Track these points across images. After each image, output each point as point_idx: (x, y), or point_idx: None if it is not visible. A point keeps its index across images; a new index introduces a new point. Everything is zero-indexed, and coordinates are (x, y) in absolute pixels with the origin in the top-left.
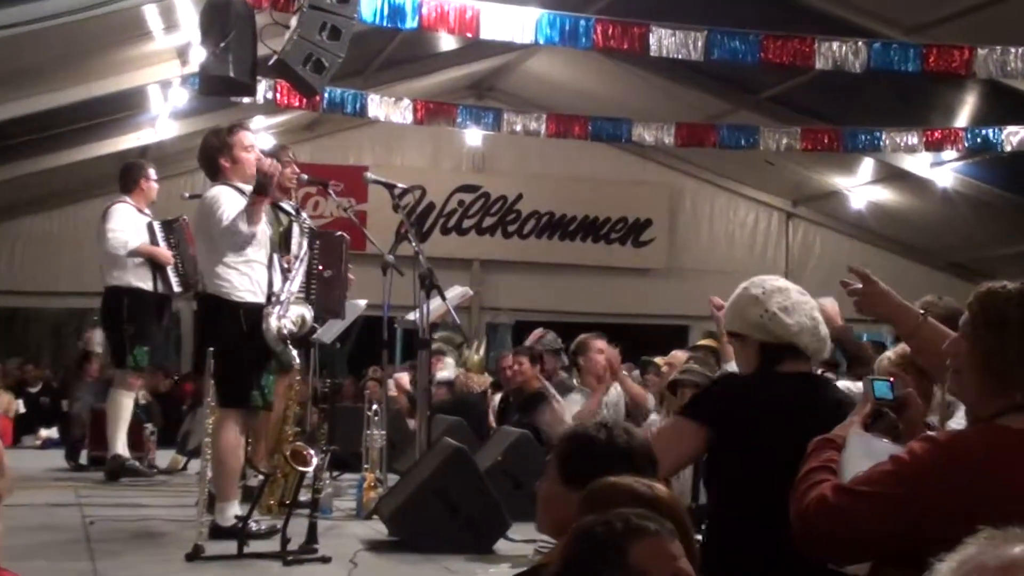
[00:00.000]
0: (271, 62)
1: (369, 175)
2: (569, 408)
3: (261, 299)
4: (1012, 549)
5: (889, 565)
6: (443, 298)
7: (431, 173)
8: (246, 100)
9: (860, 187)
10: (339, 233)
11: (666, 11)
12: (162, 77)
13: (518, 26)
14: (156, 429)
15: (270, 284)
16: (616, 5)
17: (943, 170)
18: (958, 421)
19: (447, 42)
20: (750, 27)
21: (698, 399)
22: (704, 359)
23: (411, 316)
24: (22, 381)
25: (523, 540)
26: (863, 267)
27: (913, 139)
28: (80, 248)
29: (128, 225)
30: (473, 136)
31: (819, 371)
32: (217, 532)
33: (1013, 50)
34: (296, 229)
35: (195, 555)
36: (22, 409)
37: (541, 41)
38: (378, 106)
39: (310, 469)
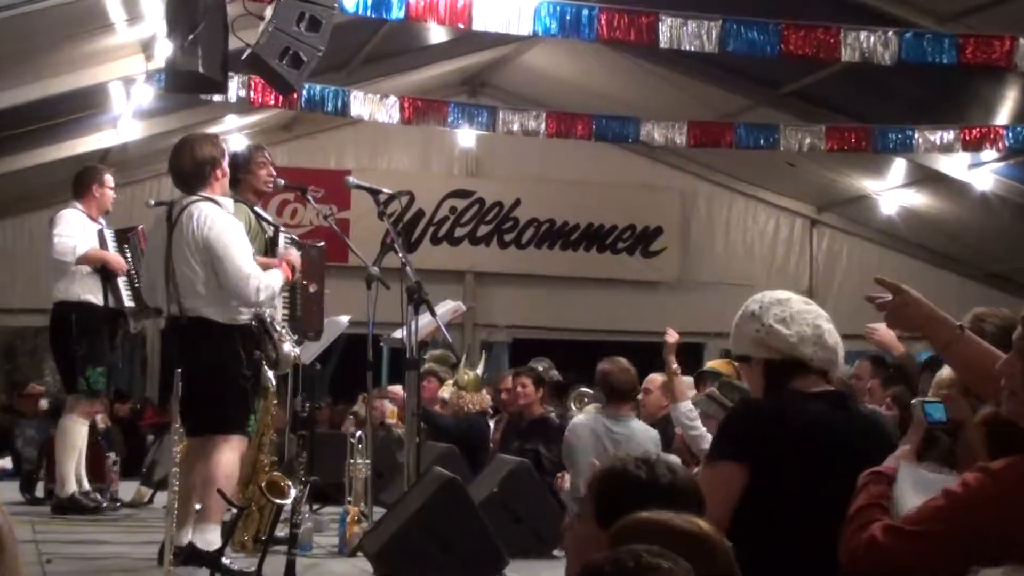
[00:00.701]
0: (244, 56)
1: (351, 180)
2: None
3: (250, 319)
4: None
5: None
6: (433, 314)
7: (420, 177)
8: (217, 98)
9: (891, 191)
10: (320, 243)
11: None
12: (125, 73)
13: (514, 15)
14: (119, 459)
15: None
16: None
17: (982, 172)
18: None
19: (437, 34)
20: (769, 16)
21: (724, 435)
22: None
23: (398, 334)
24: None
25: None
26: (893, 278)
27: (949, 138)
28: (35, 261)
29: (76, 231)
30: (466, 137)
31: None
32: (192, 557)
33: None
34: (281, 239)
35: None
36: None
37: (540, 32)
38: (361, 104)
39: (288, 501)
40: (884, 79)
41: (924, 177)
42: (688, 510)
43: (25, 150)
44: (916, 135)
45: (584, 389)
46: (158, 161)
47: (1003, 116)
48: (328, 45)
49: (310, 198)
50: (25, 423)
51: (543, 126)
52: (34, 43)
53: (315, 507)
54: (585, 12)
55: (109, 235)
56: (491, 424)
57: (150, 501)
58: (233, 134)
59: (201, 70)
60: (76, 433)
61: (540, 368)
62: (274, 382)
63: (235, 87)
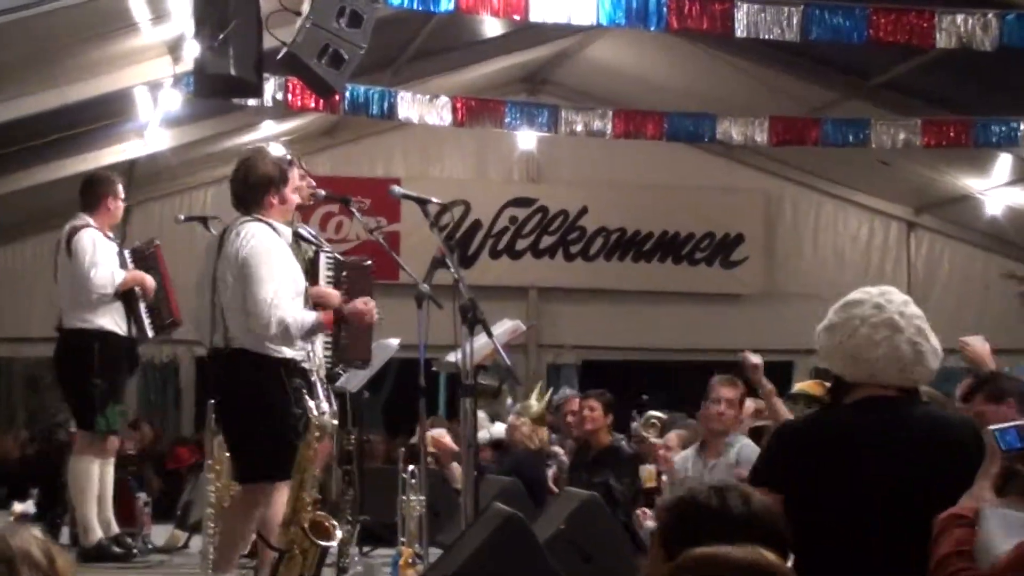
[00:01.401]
0: (280, 56)
1: (397, 189)
2: None
3: (300, 354)
4: None
5: None
6: (489, 335)
7: (476, 185)
8: (251, 102)
9: (996, 189)
10: (366, 261)
11: None
12: (150, 78)
13: (576, 5)
14: (151, 500)
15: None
16: None
17: None
18: None
19: (491, 27)
20: (856, 0)
21: (760, 460)
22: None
23: (452, 357)
24: None
25: None
26: (1000, 285)
27: None
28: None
29: (107, 257)
30: (525, 139)
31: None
32: None
33: None
34: (323, 259)
35: None
36: None
37: (604, 23)
38: (410, 106)
39: (334, 543)
40: (985, 66)
41: None
42: (766, 543)
43: (43, 163)
44: (1022, 127)
45: (654, 413)
46: (189, 173)
47: None
48: (371, 42)
49: (354, 210)
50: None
51: (610, 126)
52: (52, 46)
53: (365, 549)
54: (653, 0)
55: (127, 255)
56: (552, 463)
57: (185, 545)
58: (270, 141)
59: (233, 72)
60: (90, 474)
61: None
62: (316, 413)
63: (271, 90)
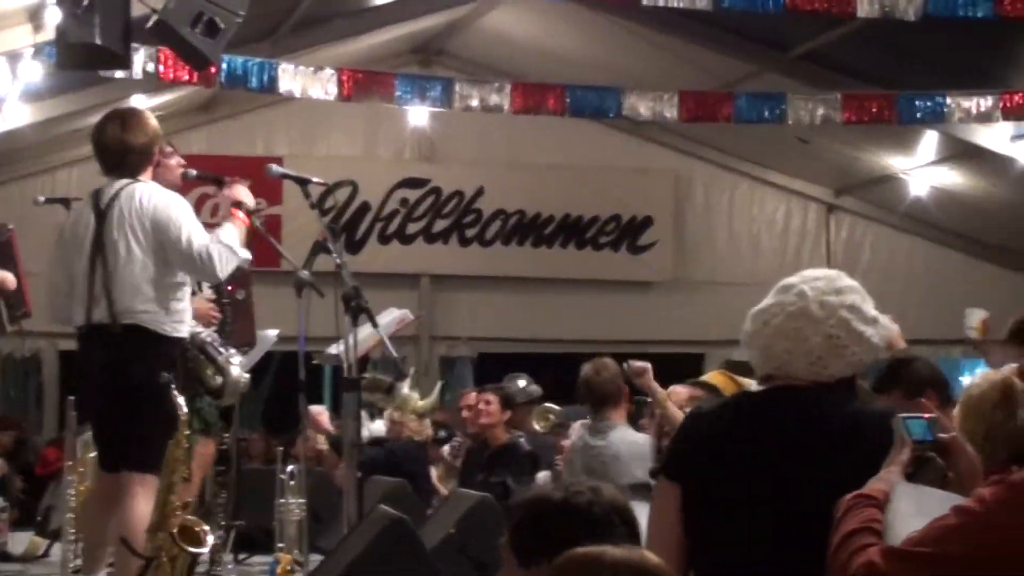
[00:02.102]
0: (150, 24)
1: (274, 168)
2: None
3: (188, 332)
4: None
5: None
6: (375, 325)
7: (364, 164)
8: (119, 74)
9: (921, 169)
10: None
11: None
12: (8, 48)
13: None
14: (8, 505)
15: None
16: None
17: None
18: None
19: None
20: None
21: (667, 450)
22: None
23: (334, 349)
24: None
25: None
26: (924, 270)
27: (987, 105)
28: None
29: None
30: (417, 115)
31: None
32: None
33: None
34: None
35: None
36: None
37: None
38: (292, 78)
39: (205, 550)
40: (909, 38)
41: (959, 152)
42: (615, 534)
43: None
44: (949, 102)
45: (548, 405)
46: (51, 151)
47: None
48: (250, 9)
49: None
50: None
51: (507, 100)
52: None
53: (240, 556)
54: None
55: None
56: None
57: (46, 554)
58: None
59: (99, 41)
60: None
61: (520, 384)
62: (185, 408)
63: (141, 61)
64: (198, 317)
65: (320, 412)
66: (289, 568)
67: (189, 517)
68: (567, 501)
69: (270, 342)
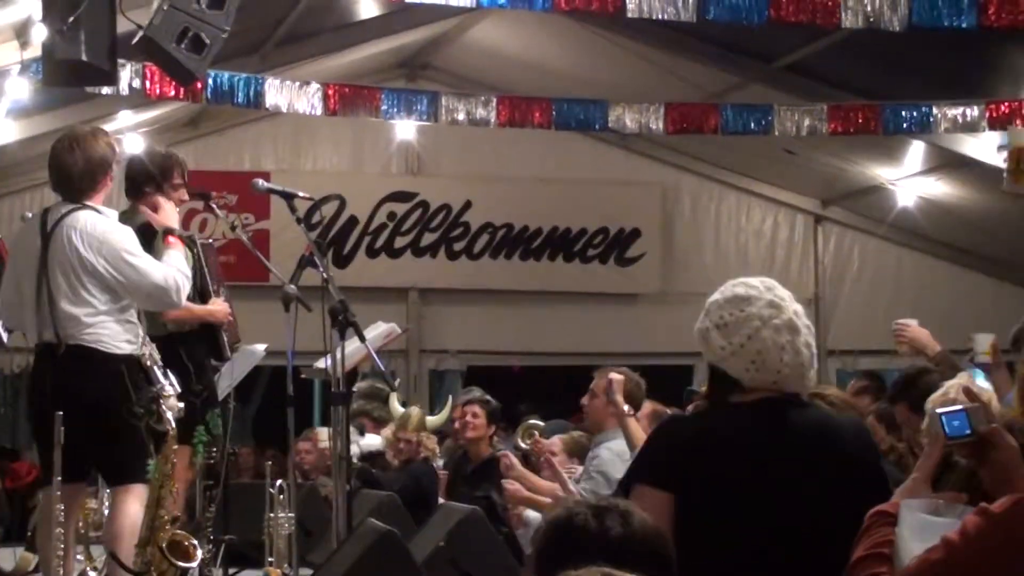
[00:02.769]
0: (136, 40)
1: (260, 183)
2: None
3: (137, 351)
4: None
5: None
6: (362, 339)
7: (351, 178)
8: (106, 91)
9: (908, 179)
10: (208, 241)
11: None
12: None
13: None
14: None
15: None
16: None
17: None
18: None
19: (367, 8)
20: None
21: (642, 456)
22: None
23: (322, 363)
24: None
25: None
26: (913, 281)
27: (973, 115)
28: None
29: None
30: (404, 129)
31: None
32: None
33: None
34: (200, 247)
35: None
36: None
37: (485, 3)
38: (278, 93)
39: (194, 565)
40: (894, 48)
41: (946, 162)
42: (645, 565)
43: None
44: (935, 112)
45: (533, 421)
46: (38, 168)
47: None
48: (236, 25)
49: (214, 206)
50: None
51: (494, 114)
52: None
53: (230, 571)
54: None
55: None
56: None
57: (36, 569)
58: (128, 133)
59: (85, 58)
60: None
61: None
62: (173, 424)
63: (127, 77)
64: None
65: (320, 433)
66: None
67: (178, 531)
68: (600, 527)
69: (258, 357)
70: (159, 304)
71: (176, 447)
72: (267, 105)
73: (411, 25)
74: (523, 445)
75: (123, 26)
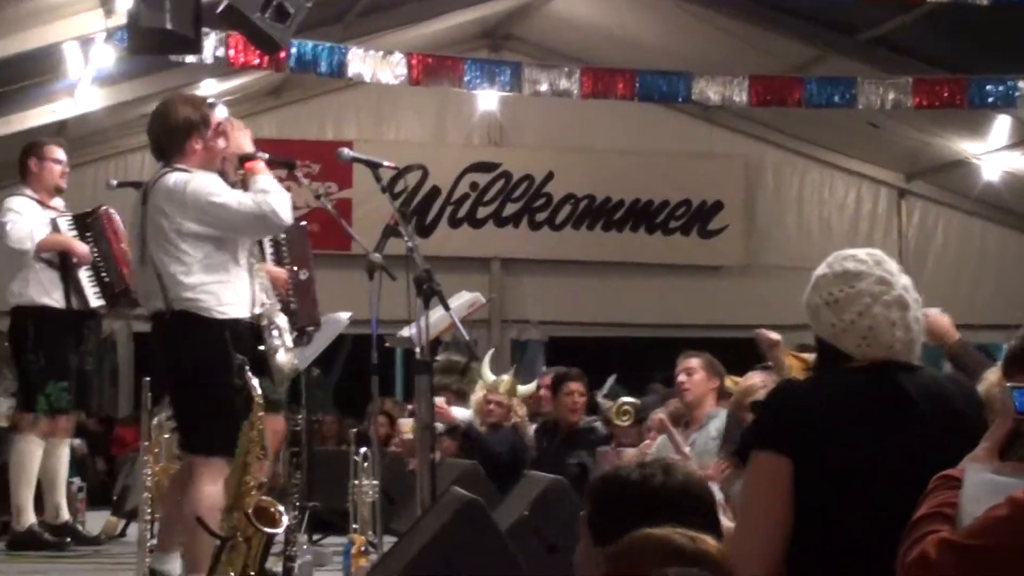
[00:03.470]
0: (220, 9)
1: (346, 152)
2: None
3: (246, 314)
4: None
5: None
6: (446, 307)
7: (434, 149)
8: (190, 59)
9: (993, 154)
10: (301, 223)
11: None
12: (81, 32)
13: None
14: (85, 485)
15: (253, 299)
16: None
17: None
18: None
19: None
20: None
21: (760, 422)
22: None
23: (406, 332)
24: None
25: None
26: (997, 257)
27: None
28: None
29: (32, 218)
30: (487, 99)
31: None
32: None
33: None
34: None
35: None
36: None
37: None
38: (362, 63)
39: (280, 531)
40: (980, 21)
41: None
42: (688, 515)
43: None
44: (1021, 87)
45: (627, 399)
46: (123, 135)
47: None
48: None
49: (299, 175)
50: None
51: (577, 85)
52: None
53: (315, 537)
54: None
55: (64, 223)
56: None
57: (122, 534)
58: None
59: (169, 26)
60: (29, 455)
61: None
62: (260, 391)
63: (211, 46)
64: (275, 283)
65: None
66: (363, 549)
67: (264, 497)
68: (640, 480)
69: (342, 325)
70: (267, 230)
71: (262, 414)
72: (350, 74)
73: None
74: (620, 424)
75: None
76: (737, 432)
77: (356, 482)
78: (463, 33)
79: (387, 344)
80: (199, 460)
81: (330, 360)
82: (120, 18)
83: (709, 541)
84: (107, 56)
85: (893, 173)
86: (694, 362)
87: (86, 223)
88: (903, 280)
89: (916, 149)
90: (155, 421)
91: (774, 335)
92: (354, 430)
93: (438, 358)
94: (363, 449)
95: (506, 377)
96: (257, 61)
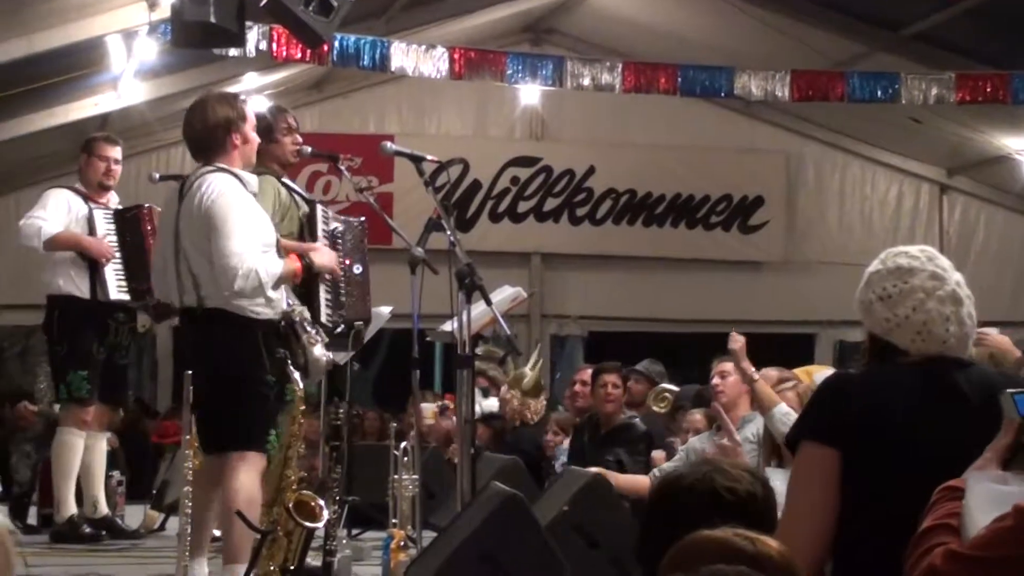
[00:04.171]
0: (264, 2)
1: (389, 145)
2: None
3: (278, 314)
4: None
5: None
6: (488, 302)
7: (475, 142)
8: (233, 53)
9: None
10: (360, 218)
11: None
12: (124, 26)
13: None
14: (124, 479)
15: (283, 298)
16: None
17: None
18: None
19: None
20: None
21: (810, 412)
22: None
23: (447, 326)
24: None
25: None
26: None
27: None
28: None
29: (53, 212)
30: (529, 93)
31: None
32: None
33: None
34: (319, 212)
35: None
36: None
37: None
38: (404, 56)
39: (320, 525)
40: (1023, 16)
41: None
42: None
43: (8, 118)
44: None
45: (665, 386)
46: (166, 128)
47: None
48: None
49: (342, 168)
50: (21, 438)
51: (619, 79)
52: None
53: (354, 531)
54: None
55: (101, 216)
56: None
57: (161, 527)
58: (253, 95)
59: (213, 19)
60: (69, 447)
61: (649, 369)
62: (301, 385)
63: (254, 39)
64: (324, 269)
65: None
66: (402, 544)
67: (304, 492)
68: (709, 485)
69: (383, 319)
70: (224, 281)
71: (304, 407)
72: (392, 68)
73: None
74: (657, 410)
75: None
76: None
77: (396, 476)
78: (505, 27)
79: (428, 338)
80: (234, 455)
81: (369, 354)
82: (163, 11)
83: (771, 543)
84: (150, 49)
85: (935, 168)
86: (728, 366)
87: (124, 219)
88: (955, 276)
89: (958, 144)
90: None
91: (736, 341)
92: (394, 425)
93: (478, 350)
94: (403, 443)
95: (529, 371)
96: (300, 55)
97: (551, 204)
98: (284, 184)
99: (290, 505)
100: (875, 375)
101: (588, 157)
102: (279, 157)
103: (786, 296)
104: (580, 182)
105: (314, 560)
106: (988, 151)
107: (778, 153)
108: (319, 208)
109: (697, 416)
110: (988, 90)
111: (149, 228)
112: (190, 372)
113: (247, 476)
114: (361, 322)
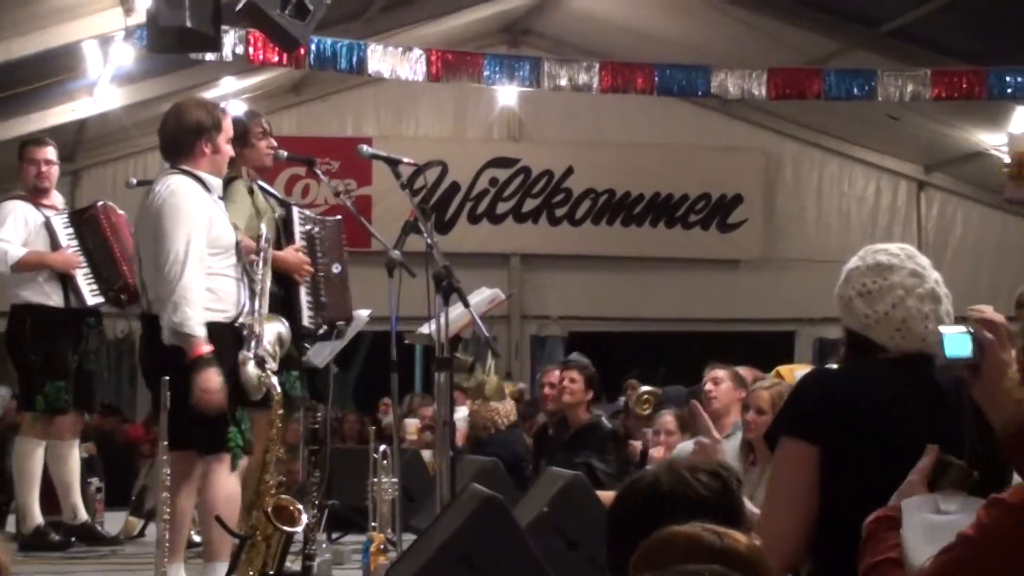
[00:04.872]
0: (239, 6)
1: (365, 148)
2: None
3: (230, 317)
4: None
5: None
6: (466, 304)
7: (453, 144)
8: (210, 57)
9: None
10: (336, 217)
11: None
12: (100, 31)
13: None
14: (103, 485)
15: (239, 303)
16: None
17: None
18: None
19: None
20: None
21: (789, 408)
22: None
23: (425, 329)
24: None
25: None
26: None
27: None
28: None
29: (11, 230)
30: (506, 94)
31: None
32: None
33: None
34: (296, 215)
35: None
36: None
37: None
38: (381, 59)
39: (299, 529)
40: (999, 13)
41: None
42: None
43: None
44: None
45: (647, 388)
46: (143, 134)
47: None
48: None
49: (318, 171)
50: None
51: (596, 79)
52: None
53: (334, 535)
54: None
55: (59, 222)
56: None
57: (141, 533)
58: (231, 99)
59: (189, 24)
60: (31, 457)
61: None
62: (278, 388)
63: (231, 43)
64: (289, 269)
65: (411, 424)
66: (382, 547)
67: (283, 496)
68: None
69: (362, 322)
70: (158, 300)
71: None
72: (370, 71)
73: None
74: (640, 413)
75: None
76: None
77: (375, 479)
78: (482, 28)
79: (407, 341)
80: (210, 458)
81: (348, 357)
82: (139, 16)
83: (738, 537)
84: (126, 55)
85: (912, 165)
86: (721, 372)
87: (82, 220)
88: (934, 275)
89: (935, 141)
90: None
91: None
92: (373, 428)
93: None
94: (383, 447)
95: (492, 378)
96: (276, 58)
97: (530, 205)
98: (260, 187)
99: (269, 510)
100: (855, 371)
101: (566, 158)
102: (255, 161)
103: (765, 294)
104: (559, 183)
105: (294, 564)
106: (965, 147)
107: (756, 151)
108: (295, 210)
109: (668, 417)
110: (964, 86)
111: (107, 225)
112: (167, 378)
113: (227, 477)
114: (343, 321)
